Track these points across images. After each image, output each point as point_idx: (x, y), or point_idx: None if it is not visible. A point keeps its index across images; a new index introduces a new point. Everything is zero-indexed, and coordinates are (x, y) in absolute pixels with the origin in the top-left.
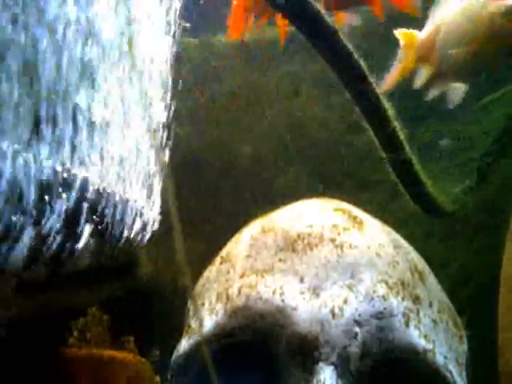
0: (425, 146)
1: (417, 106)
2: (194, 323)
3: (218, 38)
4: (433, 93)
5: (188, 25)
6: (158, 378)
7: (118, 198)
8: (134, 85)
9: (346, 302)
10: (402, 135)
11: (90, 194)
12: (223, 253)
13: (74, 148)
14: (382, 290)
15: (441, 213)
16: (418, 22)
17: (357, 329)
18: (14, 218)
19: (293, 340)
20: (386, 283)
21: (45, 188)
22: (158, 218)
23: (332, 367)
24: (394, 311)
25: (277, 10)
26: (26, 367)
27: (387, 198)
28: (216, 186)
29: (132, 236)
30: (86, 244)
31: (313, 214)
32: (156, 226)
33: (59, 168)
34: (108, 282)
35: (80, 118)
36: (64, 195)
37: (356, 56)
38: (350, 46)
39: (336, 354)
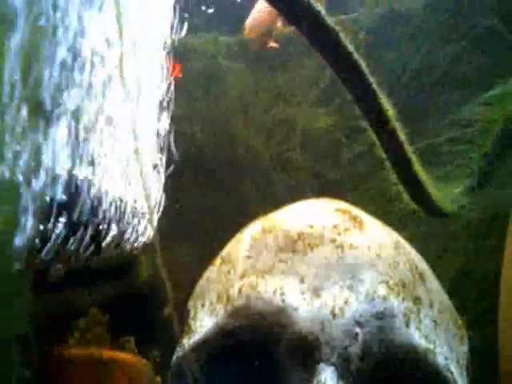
0: (425, 145)
1: (417, 106)
2: (194, 324)
3: (223, 38)
4: None
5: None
6: (158, 379)
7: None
8: None
9: (346, 302)
10: (402, 135)
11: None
12: (224, 253)
13: None
14: (382, 290)
15: (441, 213)
16: (418, 21)
17: (357, 329)
18: None
19: (293, 340)
20: (387, 284)
21: None
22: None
23: (332, 367)
24: (394, 312)
25: (278, 10)
26: (27, 367)
27: (387, 198)
28: (214, 188)
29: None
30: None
31: (313, 215)
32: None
33: None
34: (108, 282)
35: None
36: None
37: (356, 56)
38: (351, 46)
39: (337, 355)
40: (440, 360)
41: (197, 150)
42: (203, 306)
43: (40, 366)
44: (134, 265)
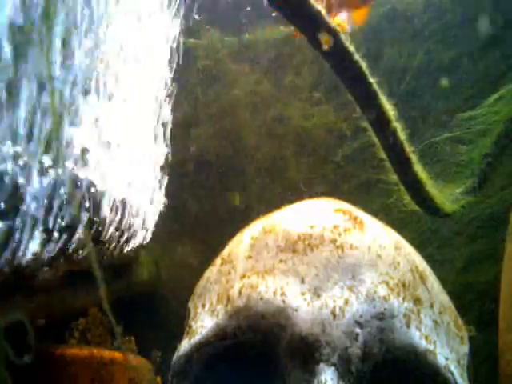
0: (425, 146)
1: (417, 107)
2: (194, 324)
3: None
4: None
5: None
6: (158, 379)
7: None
8: None
9: (346, 302)
10: (402, 136)
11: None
12: (224, 253)
13: None
14: (382, 290)
15: (441, 213)
16: (419, 19)
17: (358, 330)
18: None
19: (294, 341)
20: (387, 284)
21: None
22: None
23: (333, 368)
24: (394, 312)
25: (276, 10)
26: (27, 367)
27: (387, 198)
28: (215, 188)
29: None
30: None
31: (314, 215)
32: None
33: None
34: (108, 283)
35: None
36: None
37: (357, 56)
38: (351, 47)
39: (337, 355)
40: (440, 361)
41: (198, 149)
42: (204, 306)
43: (40, 366)
44: (134, 265)
